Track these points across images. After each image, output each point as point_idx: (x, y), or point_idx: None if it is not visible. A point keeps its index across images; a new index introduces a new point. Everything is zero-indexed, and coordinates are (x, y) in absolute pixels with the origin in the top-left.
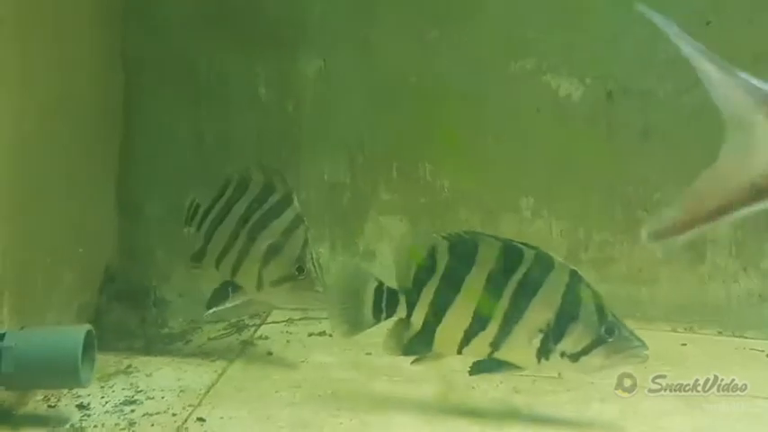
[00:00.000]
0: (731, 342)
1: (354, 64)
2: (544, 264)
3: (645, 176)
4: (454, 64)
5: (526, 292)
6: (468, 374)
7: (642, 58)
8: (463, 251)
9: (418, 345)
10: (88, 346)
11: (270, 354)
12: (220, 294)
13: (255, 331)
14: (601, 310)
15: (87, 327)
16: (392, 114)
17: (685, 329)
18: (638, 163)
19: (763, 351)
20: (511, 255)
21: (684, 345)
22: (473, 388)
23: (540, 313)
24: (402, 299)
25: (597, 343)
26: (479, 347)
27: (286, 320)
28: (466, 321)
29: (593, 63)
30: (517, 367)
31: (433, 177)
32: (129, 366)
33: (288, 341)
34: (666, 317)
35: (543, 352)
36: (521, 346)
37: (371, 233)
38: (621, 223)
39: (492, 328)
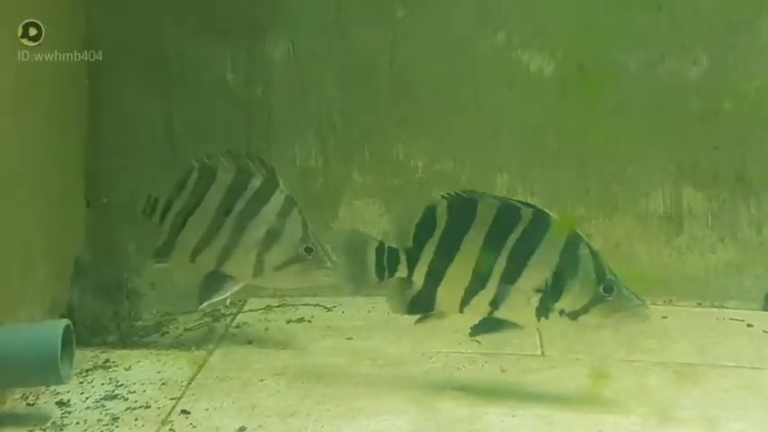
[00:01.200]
0: (711, 313)
1: (324, 46)
2: (542, 223)
3: (619, 150)
4: (424, 43)
5: (524, 251)
6: (469, 335)
7: (613, 30)
8: (461, 211)
9: (421, 303)
10: (66, 342)
11: (250, 342)
12: (211, 286)
13: (233, 320)
14: (600, 269)
15: (65, 322)
16: (364, 95)
17: (665, 302)
18: (611, 137)
19: (743, 321)
20: (508, 214)
21: (665, 317)
22: (458, 369)
23: (537, 272)
24: (403, 258)
25: (596, 301)
26: (480, 306)
27: (264, 308)
28: (465, 280)
29: (563, 37)
30: (515, 327)
31: (406, 158)
32: (107, 361)
33: (267, 329)
34: (646, 290)
35: (542, 311)
36: (520, 305)
37: (346, 217)
38: (597, 198)
39: (491, 287)
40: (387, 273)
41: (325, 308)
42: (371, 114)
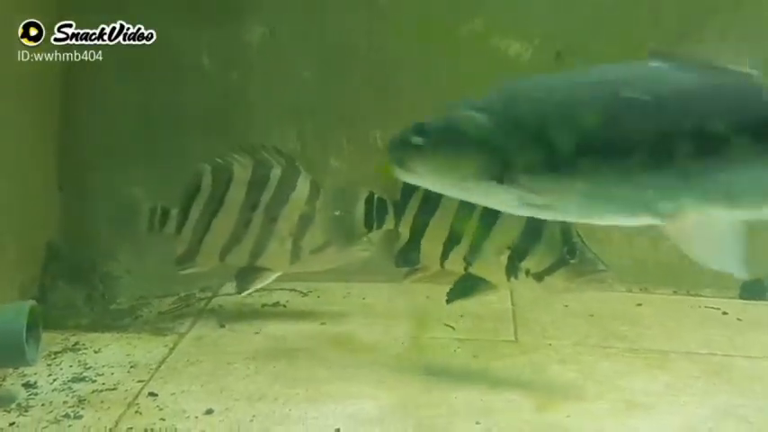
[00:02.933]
0: (686, 301)
1: (301, 31)
2: None
3: None
4: (403, 28)
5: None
6: (446, 302)
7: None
8: None
9: (407, 256)
10: (33, 324)
11: (222, 326)
12: (247, 276)
13: (207, 304)
14: (566, 232)
15: (31, 303)
16: (341, 81)
17: (640, 290)
18: None
19: (718, 309)
20: None
21: (640, 305)
22: (431, 354)
23: (506, 231)
24: (391, 209)
25: (560, 264)
26: (456, 261)
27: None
28: (444, 235)
29: (541, 24)
30: (490, 287)
31: (384, 144)
32: (77, 344)
33: (241, 313)
34: (621, 278)
35: (511, 270)
36: (491, 263)
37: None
38: None
39: (464, 243)
40: (375, 223)
41: (301, 293)
42: (349, 100)
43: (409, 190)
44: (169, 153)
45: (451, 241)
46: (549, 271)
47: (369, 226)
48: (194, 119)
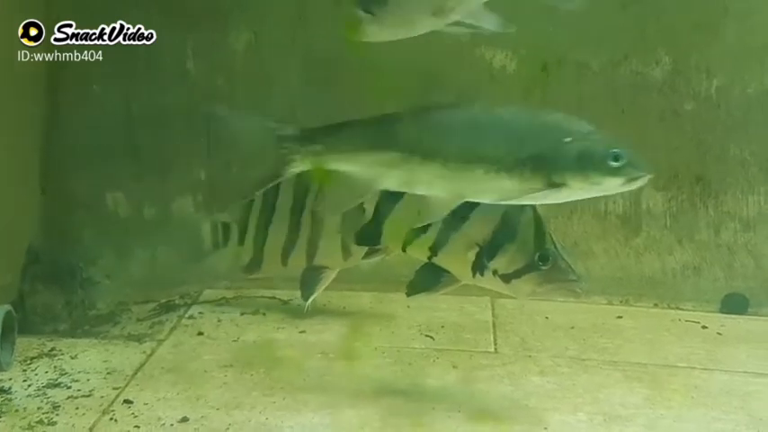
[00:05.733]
0: (667, 314)
1: (287, 37)
2: None
3: None
4: None
5: (469, 203)
6: (405, 295)
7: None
8: None
9: (368, 235)
10: (7, 329)
11: (201, 333)
12: (310, 280)
13: (186, 311)
14: (540, 237)
15: (6, 308)
16: (326, 88)
17: (621, 302)
18: None
19: (698, 323)
20: None
21: (620, 317)
22: (410, 364)
23: (478, 227)
24: None
25: (530, 268)
26: (421, 249)
27: (218, 299)
28: (411, 220)
29: (527, 34)
30: (453, 281)
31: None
32: (53, 349)
33: (219, 320)
34: (602, 290)
35: (478, 266)
36: (458, 256)
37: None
38: None
39: (432, 232)
40: None
41: (282, 300)
42: (333, 107)
43: None
44: (152, 157)
45: (418, 228)
46: (519, 274)
47: None
48: (178, 123)
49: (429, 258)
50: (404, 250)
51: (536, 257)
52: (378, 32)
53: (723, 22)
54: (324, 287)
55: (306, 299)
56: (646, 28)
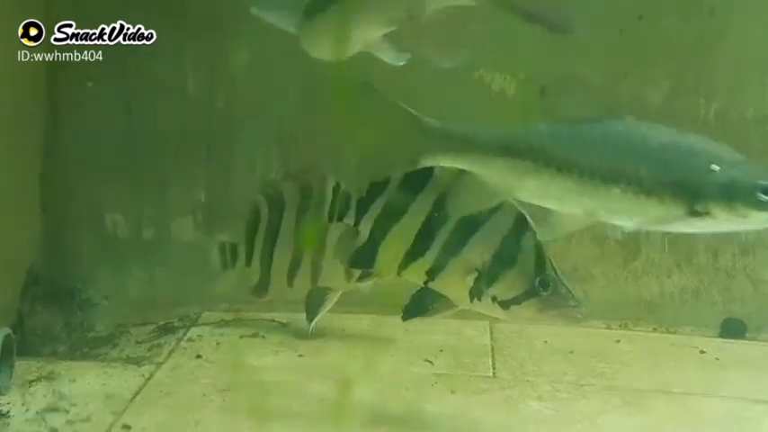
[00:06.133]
0: (666, 338)
1: (286, 57)
2: None
3: None
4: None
5: (468, 227)
6: (401, 319)
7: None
8: (418, 173)
9: (362, 257)
10: (6, 353)
11: (199, 357)
12: (316, 301)
13: (185, 334)
14: (540, 262)
15: (5, 331)
16: (325, 109)
17: (620, 326)
18: None
19: (696, 347)
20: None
21: (619, 341)
22: (407, 389)
23: (477, 251)
24: (353, 204)
25: (530, 294)
26: (417, 273)
27: (217, 322)
28: (407, 244)
29: (526, 58)
30: (450, 306)
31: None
32: (52, 372)
33: (218, 343)
34: (601, 314)
35: (476, 292)
36: (455, 281)
37: None
38: None
39: (430, 256)
40: (336, 216)
41: (281, 323)
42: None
43: (377, 188)
44: (152, 179)
45: (415, 252)
46: (518, 300)
47: (330, 217)
48: (177, 143)
49: (425, 283)
50: (399, 274)
51: (536, 283)
52: (311, 49)
53: (721, 44)
54: (327, 308)
55: (310, 320)
56: (645, 51)
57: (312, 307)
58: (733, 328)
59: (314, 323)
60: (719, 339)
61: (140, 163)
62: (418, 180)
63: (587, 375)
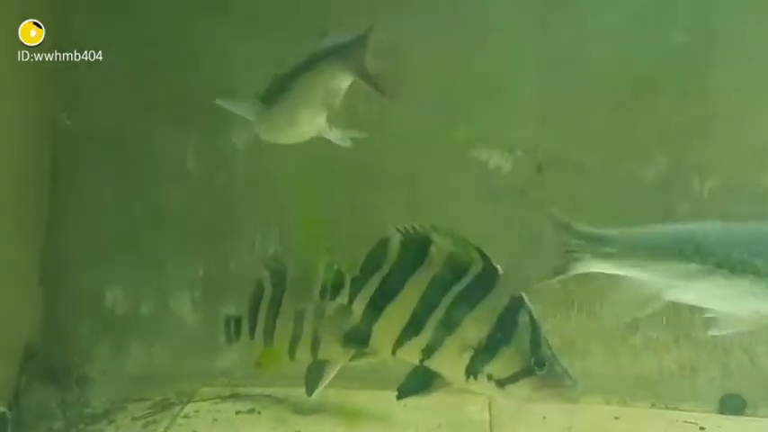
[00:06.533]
0: (664, 415)
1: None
2: (488, 279)
3: None
4: (384, 136)
5: (464, 304)
6: (396, 398)
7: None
8: (413, 250)
9: (356, 337)
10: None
11: None
12: (315, 375)
13: (182, 409)
14: (536, 341)
15: (0, 410)
16: (324, 188)
17: (618, 402)
18: None
19: (695, 423)
20: (458, 263)
21: (617, 418)
22: None
23: (473, 329)
24: (347, 283)
25: (525, 373)
26: (412, 352)
27: (214, 398)
28: (402, 322)
29: (522, 135)
30: (445, 384)
31: None
32: None
33: (215, 419)
34: (600, 389)
35: (472, 370)
36: (451, 359)
37: None
38: (555, 296)
39: (425, 335)
40: (329, 295)
41: (277, 399)
42: (331, 204)
43: (371, 267)
44: (152, 255)
45: (411, 329)
46: (514, 378)
47: (322, 296)
48: (177, 221)
49: (421, 361)
50: (393, 354)
51: (532, 362)
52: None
53: (714, 124)
54: (327, 382)
55: (310, 394)
56: (637, 129)
57: (311, 380)
58: (732, 405)
59: (315, 395)
60: (719, 415)
61: (141, 240)
62: (414, 258)
63: None
